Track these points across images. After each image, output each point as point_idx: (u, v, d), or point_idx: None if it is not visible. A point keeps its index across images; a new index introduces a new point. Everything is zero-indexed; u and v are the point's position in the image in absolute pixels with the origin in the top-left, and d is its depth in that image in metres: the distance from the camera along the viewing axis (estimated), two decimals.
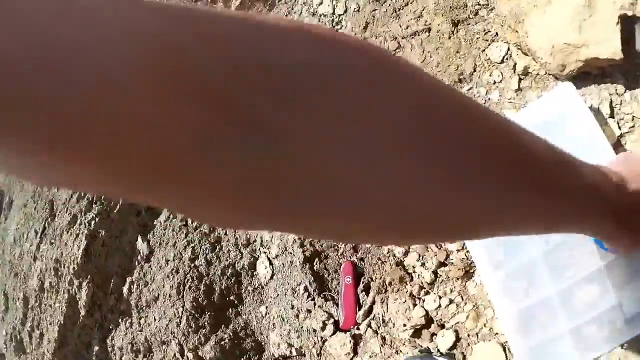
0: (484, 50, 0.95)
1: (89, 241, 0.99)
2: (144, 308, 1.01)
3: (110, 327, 1.02)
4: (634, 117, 0.89)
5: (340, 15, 1.03)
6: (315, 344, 0.96)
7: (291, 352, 0.96)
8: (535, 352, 0.60)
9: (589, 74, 0.90)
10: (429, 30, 0.98)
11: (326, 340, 0.96)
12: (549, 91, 0.86)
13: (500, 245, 0.67)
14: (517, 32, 0.90)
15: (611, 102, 0.89)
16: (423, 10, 0.99)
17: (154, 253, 1.05)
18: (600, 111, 0.89)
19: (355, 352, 0.91)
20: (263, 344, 0.99)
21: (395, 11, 1.00)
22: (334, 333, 0.91)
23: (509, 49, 0.94)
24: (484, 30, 0.95)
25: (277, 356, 0.98)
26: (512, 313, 0.63)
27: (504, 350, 0.75)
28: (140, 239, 1.06)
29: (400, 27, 0.99)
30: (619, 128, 0.88)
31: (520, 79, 0.93)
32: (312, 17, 1.04)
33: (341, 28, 1.03)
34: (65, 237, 0.99)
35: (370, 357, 0.90)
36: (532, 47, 0.87)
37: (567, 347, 0.55)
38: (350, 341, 0.90)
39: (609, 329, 0.52)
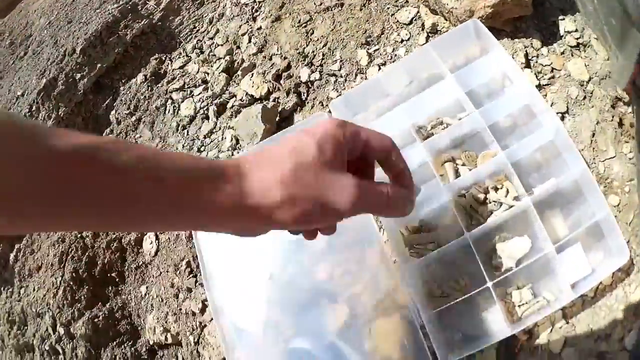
0: (393, 14, 0.90)
1: None
2: (26, 277, 0.97)
3: None
4: (553, 68, 0.77)
5: (260, 2, 1.05)
6: (194, 329, 0.83)
7: (166, 339, 0.83)
8: None
9: (501, 31, 0.81)
10: (342, 5, 0.96)
11: (205, 325, 0.83)
12: None
13: None
14: None
15: (526, 54, 0.78)
16: None
17: None
18: (514, 60, 0.77)
19: None
20: (139, 328, 0.88)
21: None
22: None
23: (418, 12, 0.88)
24: None
25: (151, 342, 0.85)
26: None
27: None
28: None
29: (315, 4, 0.98)
30: (537, 79, 0.76)
31: (429, 36, 0.86)
32: (235, 6, 1.07)
33: (260, 12, 1.04)
34: None
35: None
36: None
37: None
38: None
39: None
